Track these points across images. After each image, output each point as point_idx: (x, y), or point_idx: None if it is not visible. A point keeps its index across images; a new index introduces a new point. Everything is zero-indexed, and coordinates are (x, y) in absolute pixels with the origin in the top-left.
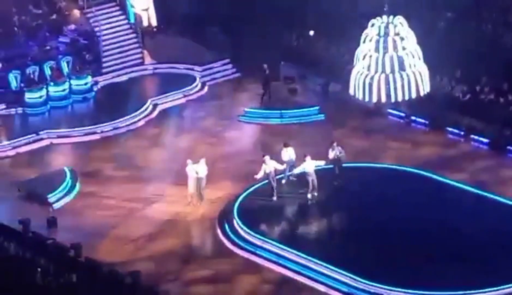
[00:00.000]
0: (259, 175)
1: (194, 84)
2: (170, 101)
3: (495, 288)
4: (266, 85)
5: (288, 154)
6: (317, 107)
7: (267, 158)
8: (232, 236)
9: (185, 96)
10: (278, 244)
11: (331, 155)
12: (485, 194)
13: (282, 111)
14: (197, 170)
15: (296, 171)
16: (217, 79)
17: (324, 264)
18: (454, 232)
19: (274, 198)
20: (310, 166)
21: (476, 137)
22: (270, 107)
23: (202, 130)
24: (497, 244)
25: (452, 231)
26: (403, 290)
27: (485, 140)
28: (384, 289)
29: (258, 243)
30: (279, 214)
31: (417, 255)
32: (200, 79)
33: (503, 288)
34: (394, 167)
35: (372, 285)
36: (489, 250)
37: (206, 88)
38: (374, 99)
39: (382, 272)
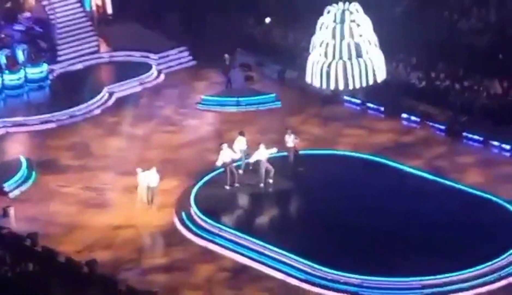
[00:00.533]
0: (218, 163)
1: (150, 72)
2: (127, 89)
3: (451, 274)
4: (227, 75)
5: (240, 143)
6: (273, 95)
7: (224, 146)
8: (189, 224)
9: (141, 84)
10: (235, 232)
11: (289, 142)
12: (441, 180)
13: (239, 98)
14: (149, 179)
15: (251, 159)
16: (173, 67)
17: (281, 252)
18: (411, 218)
19: (228, 187)
20: (263, 154)
21: (432, 123)
22: (227, 94)
23: (160, 119)
24: (452, 230)
25: (408, 217)
26: (360, 276)
27: (441, 126)
28: (342, 276)
29: (215, 231)
30: (236, 202)
31: (374, 242)
32: (156, 67)
33: (460, 274)
34: (350, 153)
35: (329, 273)
36: (444, 236)
37: (162, 76)
38: (332, 87)
39: (339, 259)
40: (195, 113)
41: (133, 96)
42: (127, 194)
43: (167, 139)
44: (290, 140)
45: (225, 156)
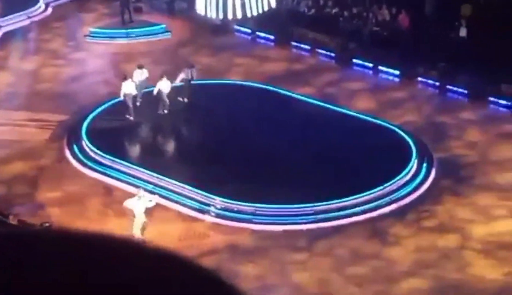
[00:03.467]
0: (121, 96)
1: (37, 6)
2: (14, 23)
3: (343, 199)
4: (125, 3)
5: (140, 74)
6: (163, 26)
7: (128, 79)
8: (81, 157)
9: (29, 18)
10: (128, 164)
11: (180, 76)
12: (332, 107)
13: (128, 30)
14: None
15: (155, 91)
16: (61, 0)
17: (175, 182)
18: (303, 146)
19: (131, 118)
20: (165, 85)
21: (322, 51)
22: (116, 26)
23: (48, 52)
24: (344, 155)
25: (300, 145)
26: (253, 204)
27: (331, 54)
28: (235, 204)
29: (108, 163)
30: (130, 134)
31: (267, 170)
32: (43, 0)
33: (352, 199)
34: (241, 82)
35: (223, 202)
36: (336, 162)
37: (50, 10)
38: (230, 16)
39: (232, 188)
40: (84, 46)
41: (21, 30)
42: (17, 127)
43: (56, 73)
44: (182, 76)
45: (127, 88)
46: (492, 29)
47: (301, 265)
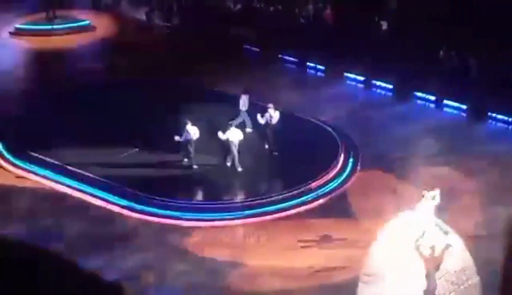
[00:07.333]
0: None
1: None
2: None
3: (272, 195)
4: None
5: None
6: (88, 21)
7: (189, 124)
8: (5, 153)
9: None
10: (53, 161)
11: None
12: (259, 103)
13: (54, 26)
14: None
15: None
16: None
17: (102, 179)
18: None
19: (195, 166)
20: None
21: (247, 47)
22: (40, 22)
23: None
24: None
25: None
26: (182, 201)
27: (257, 50)
28: (165, 201)
29: (33, 160)
30: (51, 131)
31: (197, 166)
32: None
33: (280, 195)
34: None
35: (152, 197)
36: (265, 158)
37: None
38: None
39: (161, 185)
40: (8, 42)
41: None
42: None
43: None
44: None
45: (191, 133)
46: (418, 25)
47: (231, 261)
